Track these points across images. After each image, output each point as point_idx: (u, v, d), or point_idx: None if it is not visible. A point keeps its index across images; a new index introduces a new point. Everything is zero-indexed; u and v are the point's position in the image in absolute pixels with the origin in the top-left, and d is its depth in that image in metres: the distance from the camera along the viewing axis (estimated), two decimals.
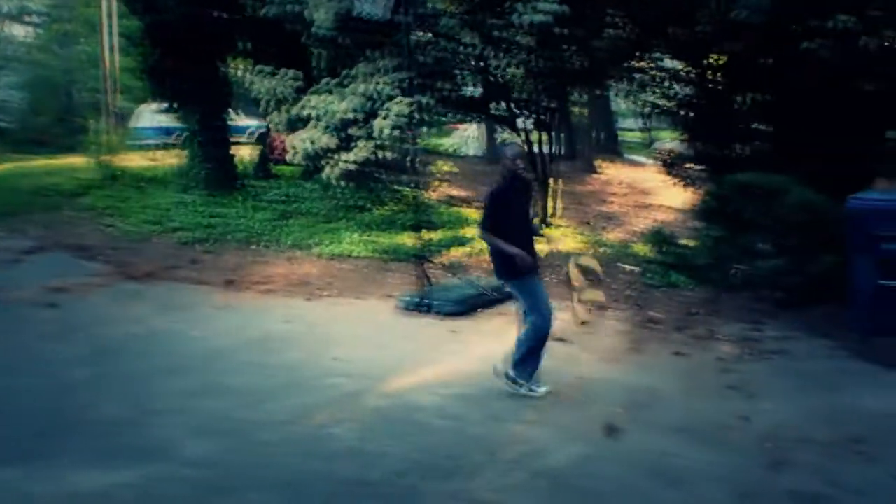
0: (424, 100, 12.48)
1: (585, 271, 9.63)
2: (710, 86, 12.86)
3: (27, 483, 5.37)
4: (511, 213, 6.82)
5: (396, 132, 12.10)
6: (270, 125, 14.46)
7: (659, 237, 11.28)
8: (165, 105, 18.28)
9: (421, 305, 9.87)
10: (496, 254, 6.95)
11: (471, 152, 25.77)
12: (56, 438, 6.15)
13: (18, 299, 10.65)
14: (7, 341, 8.84)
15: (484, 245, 12.88)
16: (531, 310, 6.77)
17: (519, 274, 6.73)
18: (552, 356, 7.05)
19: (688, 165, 13.55)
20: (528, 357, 6.75)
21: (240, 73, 21.09)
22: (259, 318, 9.83)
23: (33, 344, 8.74)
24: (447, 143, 27.39)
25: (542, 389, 6.77)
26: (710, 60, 13.00)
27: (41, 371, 7.81)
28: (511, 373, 6.78)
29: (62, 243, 14.50)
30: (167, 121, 20.91)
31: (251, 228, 14.95)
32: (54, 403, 6.93)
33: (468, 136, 26.93)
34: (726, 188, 10.11)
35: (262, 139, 21.72)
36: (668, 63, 13.78)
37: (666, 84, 13.88)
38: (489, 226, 6.88)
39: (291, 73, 13.58)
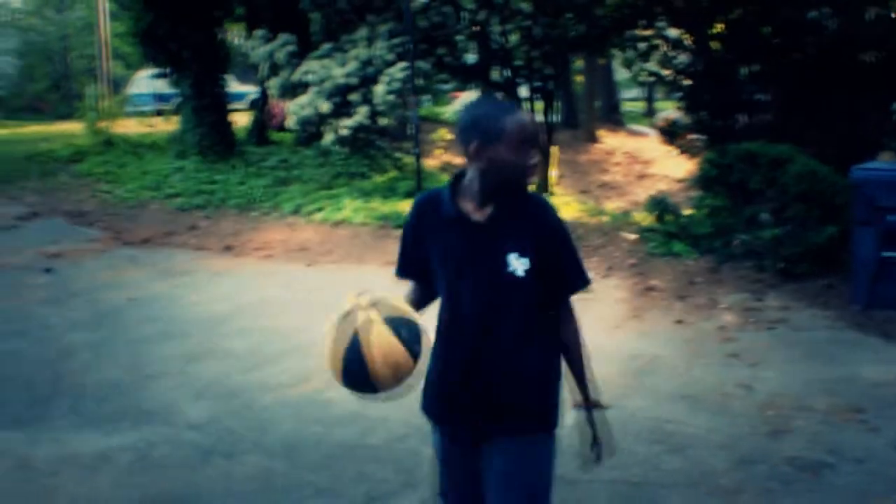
0: (424, 66, 12.40)
1: None
2: (712, 55, 12.79)
3: (27, 446, 5.37)
4: (447, 265, 3.01)
5: (394, 97, 12.02)
6: (269, 91, 14.35)
7: (659, 206, 11.25)
8: (158, 71, 18.14)
9: None
10: None
11: None
12: (56, 402, 6.15)
13: (15, 265, 10.66)
14: (5, 306, 8.84)
15: None
16: None
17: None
18: None
19: (689, 135, 13.52)
20: None
21: (239, 39, 20.93)
22: (258, 284, 9.80)
23: (31, 309, 8.73)
24: (448, 111, 27.33)
25: None
26: (713, 29, 12.93)
27: (40, 336, 7.82)
28: None
29: (58, 209, 14.47)
30: (163, 87, 20.81)
31: (250, 195, 14.86)
32: (53, 368, 6.92)
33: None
34: (729, 157, 10.06)
35: (255, 104, 21.54)
36: (672, 32, 13.70)
37: (668, 53, 13.81)
38: (400, 271, 3.26)
39: (289, 37, 13.48)
